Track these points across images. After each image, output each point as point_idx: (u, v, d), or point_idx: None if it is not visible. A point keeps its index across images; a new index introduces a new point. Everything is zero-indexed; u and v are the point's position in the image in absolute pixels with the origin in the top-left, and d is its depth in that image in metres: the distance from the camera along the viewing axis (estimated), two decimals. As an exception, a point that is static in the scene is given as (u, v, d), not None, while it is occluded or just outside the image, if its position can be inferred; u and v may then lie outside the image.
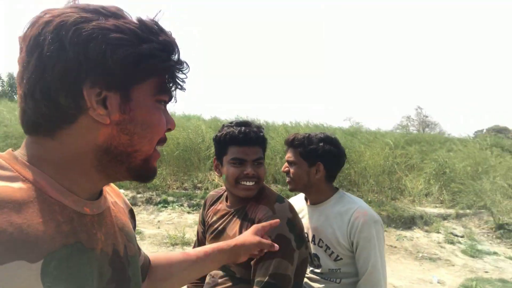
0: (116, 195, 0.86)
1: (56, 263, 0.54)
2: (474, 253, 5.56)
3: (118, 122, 0.61)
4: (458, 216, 6.89)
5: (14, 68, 0.61)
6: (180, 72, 0.66)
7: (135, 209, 6.11)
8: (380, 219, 1.69)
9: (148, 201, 6.63)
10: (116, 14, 0.60)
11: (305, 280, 1.85)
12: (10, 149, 0.62)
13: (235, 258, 1.11)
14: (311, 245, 1.78)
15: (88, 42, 0.56)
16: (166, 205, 6.48)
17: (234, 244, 1.10)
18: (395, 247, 5.64)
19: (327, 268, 1.74)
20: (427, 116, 30.37)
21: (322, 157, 1.75)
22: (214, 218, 1.60)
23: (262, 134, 1.50)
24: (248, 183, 1.45)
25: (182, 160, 7.76)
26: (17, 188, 0.54)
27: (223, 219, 1.55)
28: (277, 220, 1.24)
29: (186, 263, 1.03)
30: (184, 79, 0.68)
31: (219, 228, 1.55)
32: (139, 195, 6.73)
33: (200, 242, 1.77)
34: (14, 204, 0.52)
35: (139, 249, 0.93)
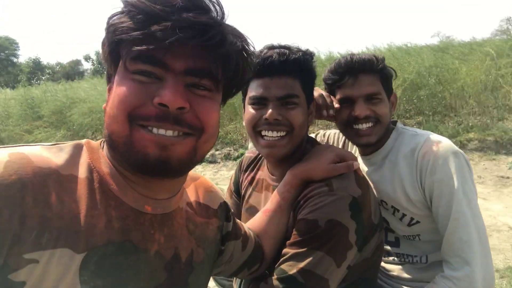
0: (204, 193, 0.82)
1: (98, 258, 0.54)
2: None
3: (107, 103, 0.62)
4: None
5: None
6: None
7: (215, 167, 6.17)
8: (461, 151, 1.18)
9: (227, 157, 6.69)
10: None
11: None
12: (101, 139, 0.64)
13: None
14: None
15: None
16: (245, 159, 6.44)
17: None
18: (508, 177, 4.95)
19: (401, 235, 1.33)
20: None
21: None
22: (250, 190, 1.26)
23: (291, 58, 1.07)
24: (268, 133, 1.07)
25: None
26: (83, 177, 0.58)
27: (263, 192, 1.21)
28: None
29: (274, 218, 1.04)
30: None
31: (257, 207, 1.21)
32: (217, 152, 6.81)
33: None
34: (77, 194, 0.55)
35: (245, 235, 0.94)
